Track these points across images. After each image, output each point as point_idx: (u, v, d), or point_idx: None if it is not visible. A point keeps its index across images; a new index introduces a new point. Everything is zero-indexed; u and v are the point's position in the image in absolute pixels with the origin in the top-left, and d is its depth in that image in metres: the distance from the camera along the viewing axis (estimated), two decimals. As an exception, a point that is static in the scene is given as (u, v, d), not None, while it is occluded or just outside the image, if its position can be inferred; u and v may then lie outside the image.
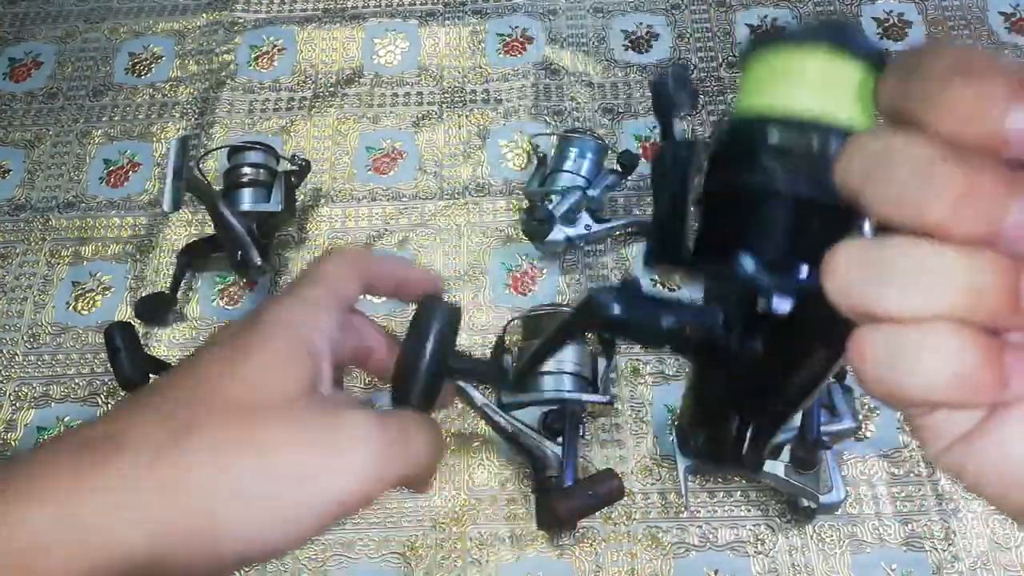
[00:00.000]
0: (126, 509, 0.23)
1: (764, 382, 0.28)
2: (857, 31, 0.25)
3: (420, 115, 0.94)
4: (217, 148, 0.89)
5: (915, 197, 0.16)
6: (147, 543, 0.23)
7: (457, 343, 0.32)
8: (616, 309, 0.29)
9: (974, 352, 0.17)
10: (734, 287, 0.27)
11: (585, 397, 0.68)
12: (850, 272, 0.18)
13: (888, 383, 0.17)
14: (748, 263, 0.24)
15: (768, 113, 0.24)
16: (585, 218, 0.80)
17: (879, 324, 0.17)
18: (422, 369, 0.31)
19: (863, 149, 0.18)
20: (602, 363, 0.72)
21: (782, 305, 0.25)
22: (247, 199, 0.80)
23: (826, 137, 0.23)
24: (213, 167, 0.89)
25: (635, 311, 0.29)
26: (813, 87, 0.24)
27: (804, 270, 0.24)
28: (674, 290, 0.77)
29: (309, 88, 0.96)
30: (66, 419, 0.78)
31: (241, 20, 1.02)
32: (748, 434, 0.28)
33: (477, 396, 0.68)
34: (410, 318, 0.32)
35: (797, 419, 0.61)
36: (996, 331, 0.17)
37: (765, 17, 0.98)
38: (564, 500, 0.62)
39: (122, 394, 0.76)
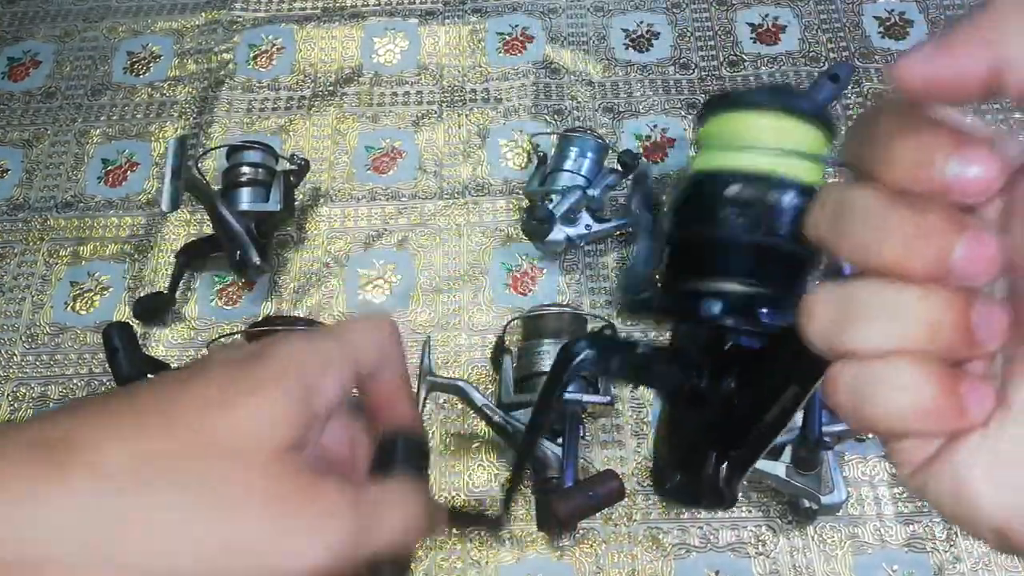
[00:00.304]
0: (64, 531, 0.20)
1: (738, 417, 0.29)
2: (804, 94, 0.27)
3: (420, 114, 0.93)
4: (216, 147, 0.89)
5: (871, 240, 0.18)
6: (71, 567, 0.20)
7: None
8: (592, 353, 0.30)
9: (931, 384, 0.18)
10: (702, 329, 0.30)
11: (586, 398, 0.68)
12: (823, 314, 0.19)
13: (858, 415, 0.19)
14: (714, 306, 0.26)
15: (726, 169, 0.27)
16: (585, 218, 0.80)
17: (849, 360, 0.19)
18: None
19: (826, 202, 0.20)
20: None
21: (749, 344, 0.27)
22: (246, 198, 0.79)
23: (780, 190, 0.26)
24: (212, 166, 0.89)
25: (611, 354, 0.31)
26: (766, 145, 0.26)
27: (765, 312, 0.26)
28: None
29: (308, 87, 0.96)
30: (64, 419, 0.78)
31: (240, 19, 1.02)
32: (724, 468, 0.29)
33: (477, 396, 0.68)
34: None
35: (798, 419, 0.61)
36: (957, 362, 0.18)
37: (766, 16, 0.98)
38: (564, 501, 0.61)
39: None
